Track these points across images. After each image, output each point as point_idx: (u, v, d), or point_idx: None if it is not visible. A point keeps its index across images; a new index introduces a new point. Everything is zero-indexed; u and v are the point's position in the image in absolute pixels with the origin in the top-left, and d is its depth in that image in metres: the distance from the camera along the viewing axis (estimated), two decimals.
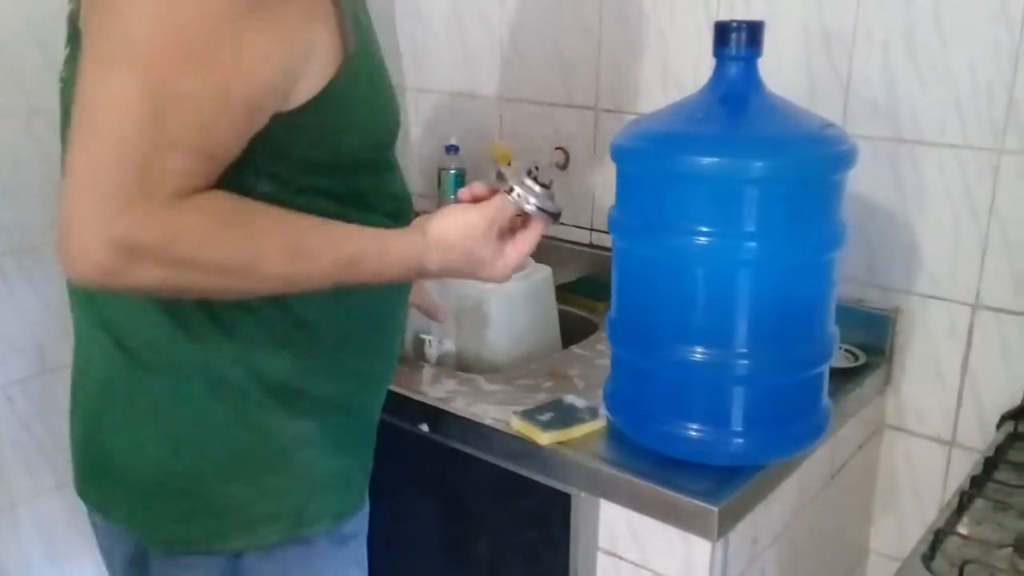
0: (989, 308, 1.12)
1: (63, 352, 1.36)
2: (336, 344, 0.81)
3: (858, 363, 1.14)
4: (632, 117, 1.36)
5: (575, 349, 1.20)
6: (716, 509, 0.83)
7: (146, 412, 0.77)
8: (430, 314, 1.13)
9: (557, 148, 1.47)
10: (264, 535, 0.79)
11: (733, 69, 0.88)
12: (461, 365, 1.19)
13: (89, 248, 0.61)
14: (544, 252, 1.42)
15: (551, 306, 1.25)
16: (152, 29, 0.60)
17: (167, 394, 0.77)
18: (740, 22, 0.86)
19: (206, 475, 0.78)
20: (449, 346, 1.19)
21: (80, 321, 0.83)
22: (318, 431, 0.81)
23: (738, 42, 0.87)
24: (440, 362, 1.19)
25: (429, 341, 1.18)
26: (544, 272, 1.24)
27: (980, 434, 1.14)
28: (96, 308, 0.79)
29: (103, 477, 0.82)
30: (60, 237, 0.62)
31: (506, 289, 1.18)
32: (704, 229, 0.84)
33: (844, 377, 1.10)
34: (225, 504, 0.78)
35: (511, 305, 1.19)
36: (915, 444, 1.20)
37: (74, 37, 0.73)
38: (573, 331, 1.29)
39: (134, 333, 0.77)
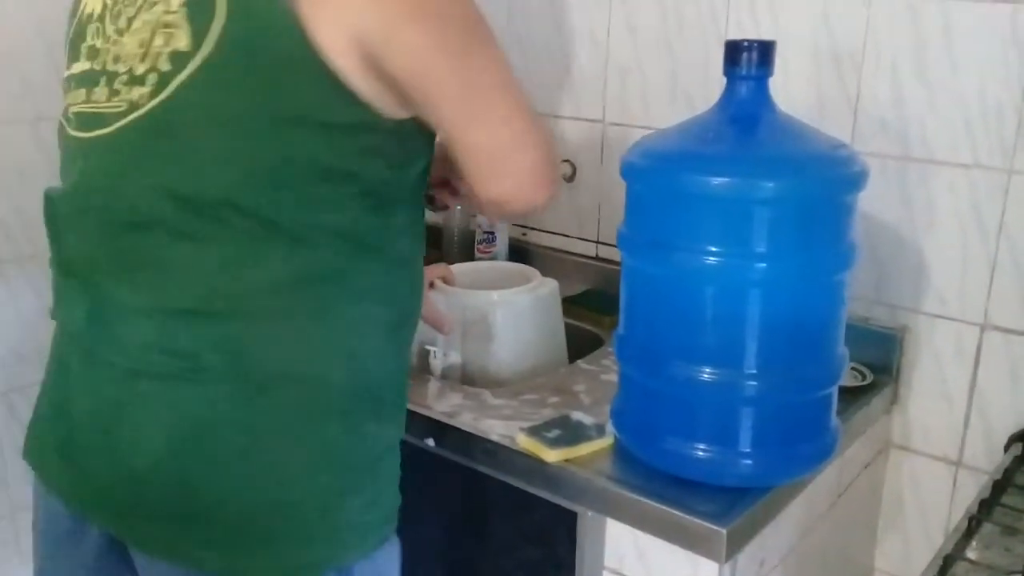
0: (997, 328, 1.11)
1: None
2: (407, 345, 0.89)
3: (865, 382, 1.13)
4: (640, 131, 1.36)
5: (581, 364, 1.20)
6: (725, 531, 0.82)
7: (262, 442, 0.76)
8: (436, 325, 1.13)
9: (564, 160, 1.46)
10: (372, 543, 0.83)
11: (744, 88, 0.87)
12: (466, 378, 1.19)
13: (554, 175, 0.85)
14: (550, 265, 1.43)
15: (557, 320, 1.25)
16: (475, 37, 0.79)
17: (289, 419, 0.77)
18: (751, 41, 0.86)
19: (326, 494, 0.79)
20: (455, 358, 1.18)
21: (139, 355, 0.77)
22: (395, 432, 0.87)
23: (749, 62, 0.86)
24: (445, 375, 1.18)
25: (434, 353, 1.18)
26: (551, 285, 1.23)
27: (987, 455, 1.14)
28: (214, 339, 0.76)
29: (192, 520, 0.78)
30: (523, 185, 0.83)
31: (513, 301, 1.18)
32: (714, 249, 0.84)
33: (851, 396, 1.09)
34: (343, 520, 0.80)
35: (517, 317, 1.19)
36: (921, 464, 1.20)
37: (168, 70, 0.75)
38: (579, 345, 1.28)
39: (262, 362, 0.76)
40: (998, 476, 0.98)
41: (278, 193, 0.74)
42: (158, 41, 0.75)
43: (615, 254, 1.43)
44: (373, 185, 0.78)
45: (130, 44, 0.76)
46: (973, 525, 0.88)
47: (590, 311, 1.36)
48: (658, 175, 0.87)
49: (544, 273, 1.25)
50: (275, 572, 0.79)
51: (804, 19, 1.18)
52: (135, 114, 0.75)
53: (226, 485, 0.77)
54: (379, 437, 0.84)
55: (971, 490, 1.14)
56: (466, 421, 1.02)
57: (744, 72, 0.86)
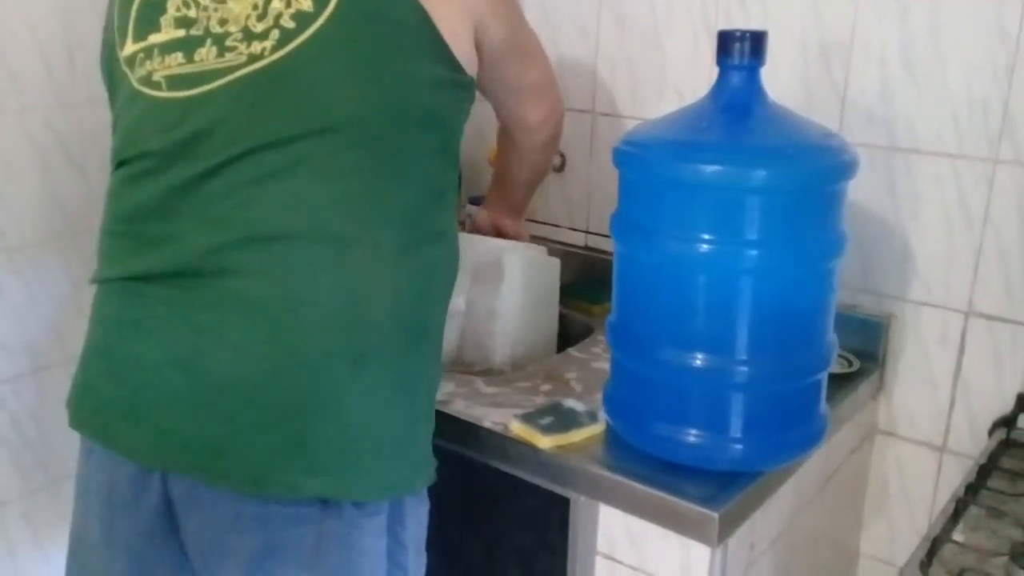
0: (982, 315, 1.13)
1: (54, 351, 1.35)
2: (449, 298, 0.95)
3: (851, 369, 1.15)
4: (629, 122, 1.37)
5: (572, 352, 1.20)
6: (717, 515, 0.84)
7: (359, 367, 0.81)
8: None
9: None
10: (423, 479, 0.89)
11: (736, 78, 0.88)
12: (459, 362, 1.19)
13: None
14: None
15: (554, 304, 1.27)
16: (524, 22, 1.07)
17: (379, 349, 0.83)
18: (744, 32, 0.87)
19: (403, 421, 0.86)
20: (460, 304, 1.18)
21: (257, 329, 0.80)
22: (439, 377, 0.94)
23: (741, 52, 0.87)
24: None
25: None
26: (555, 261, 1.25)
27: (971, 440, 1.16)
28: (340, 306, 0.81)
29: (293, 446, 0.80)
30: (556, 105, 1.16)
31: (523, 252, 1.21)
32: (706, 236, 0.85)
33: (838, 383, 1.10)
34: (410, 449, 0.87)
35: (527, 268, 1.21)
36: (906, 449, 1.22)
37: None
38: (569, 333, 1.29)
39: (357, 292, 0.82)
40: (983, 460, 0.99)
41: (386, 132, 0.84)
42: (277, 4, 0.83)
43: (605, 244, 1.45)
44: (449, 135, 0.91)
45: (238, 8, 0.84)
46: (960, 508, 0.90)
47: (580, 300, 1.36)
48: (651, 163, 0.88)
49: None
50: (362, 491, 0.83)
51: (793, 10, 1.19)
52: (257, 64, 0.83)
53: (327, 410, 0.80)
54: (433, 378, 0.91)
55: (955, 475, 1.16)
56: (459, 409, 1.02)
57: (736, 62, 0.87)
